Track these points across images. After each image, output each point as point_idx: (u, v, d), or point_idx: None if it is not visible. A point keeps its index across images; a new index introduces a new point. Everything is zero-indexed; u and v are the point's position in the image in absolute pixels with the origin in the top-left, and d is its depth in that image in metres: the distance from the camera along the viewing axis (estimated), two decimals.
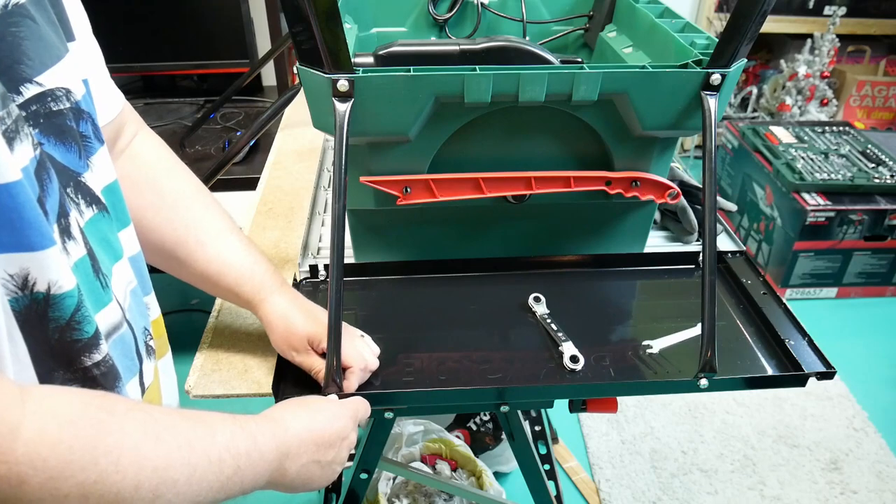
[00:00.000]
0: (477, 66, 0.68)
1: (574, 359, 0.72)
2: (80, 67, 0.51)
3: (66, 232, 0.47)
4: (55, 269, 0.44)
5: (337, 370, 0.65)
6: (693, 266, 0.91)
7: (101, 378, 0.49)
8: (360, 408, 0.64)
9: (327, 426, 0.58)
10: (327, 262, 0.79)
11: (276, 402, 0.65)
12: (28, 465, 0.35)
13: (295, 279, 0.86)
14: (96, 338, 0.48)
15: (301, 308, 0.69)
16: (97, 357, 0.48)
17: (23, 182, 0.41)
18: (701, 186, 0.88)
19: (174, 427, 0.44)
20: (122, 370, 0.52)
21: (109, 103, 0.60)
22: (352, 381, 0.67)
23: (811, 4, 2.74)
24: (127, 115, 0.65)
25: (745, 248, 0.94)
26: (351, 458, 0.62)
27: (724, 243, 0.96)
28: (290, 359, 0.69)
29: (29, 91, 0.44)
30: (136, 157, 0.65)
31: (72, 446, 0.37)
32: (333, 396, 0.64)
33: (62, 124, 0.48)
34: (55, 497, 0.37)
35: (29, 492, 0.36)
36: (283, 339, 0.68)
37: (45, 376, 0.45)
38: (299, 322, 0.68)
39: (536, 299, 0.81)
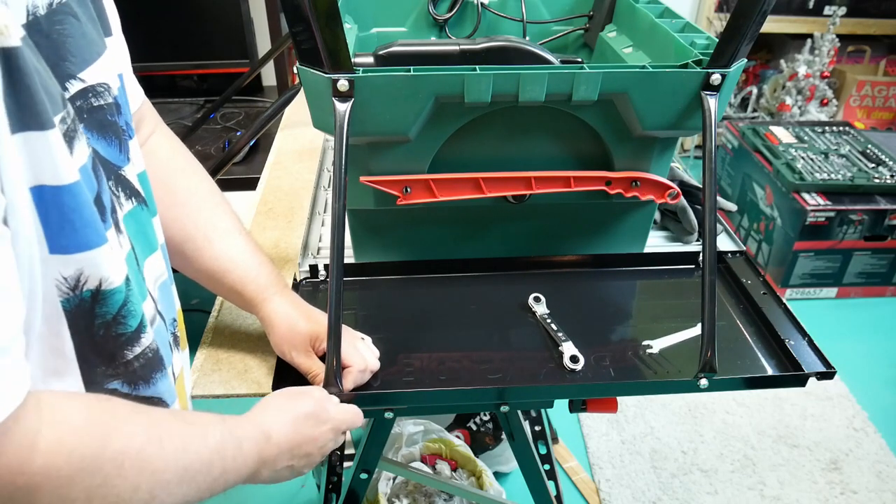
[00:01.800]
0: (477, 66, 0.68)
1: (574, 359, 0.72)
2: (116, 62, 0.52)
3: (116, 226, 0.48)
4: (107, 265, 0.45)
5: (337, 371, 0.65)
6: (693, 266, 0.91)
7: (141, 370, 0.50)
8: (350, 419, 0.64)
9: (308, 435, 0.59)
10: (327, 262, 0.79)
11: None
12: (44, 475, 0.36)
13: (295, 279, 0.86)
14: (139, 331, 0.49)
15: (303, 310, 0.70)
16: (138, 350, 0.50)
17: (81, 182, 0.42)
18: (701, 186, 0.88)
19: (171, 430, 0.46)
20: (159, 362, 0.53)
21: (133, 97, 0.61)
22: (348, 381, 0.67)
23: (811, 4, 2.74)
24: (146, 111, 0.66)
25: (745, 248, 0.94)
26: (348, 458, 0.62)
27: (724, 243, 0.96)
28: (289, 360, 0.69)
29: (73, 87, 0.45)
30: (151, 154, 0.66)
31: (83, 454, 0.38)
32: (335, 399, 0.64)
33: (103, 119, 0.48)
34: (63, 501, 0.38)
35: (41, 499, 0.37)
36: (286, 339, 0.69)
37: (87, 372, 0.46)
38: (302, 322, 0.68)
39: (536, 299, 0.81)
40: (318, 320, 0.69)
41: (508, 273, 0.88)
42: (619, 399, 0.97)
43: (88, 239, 0.43)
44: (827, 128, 2.47)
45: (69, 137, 0.41)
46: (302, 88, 0.68)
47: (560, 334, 0.75)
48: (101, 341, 0.46)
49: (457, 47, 0.81)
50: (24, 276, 0.38)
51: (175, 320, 0.61)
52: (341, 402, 0.65)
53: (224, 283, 0.68)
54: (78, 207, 0.41)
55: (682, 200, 0.92)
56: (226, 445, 0.50)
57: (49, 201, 0.40)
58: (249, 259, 0.69)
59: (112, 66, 0.50)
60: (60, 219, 0.41)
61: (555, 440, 1.68)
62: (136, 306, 0.49)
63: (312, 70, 0.64)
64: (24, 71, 0.37)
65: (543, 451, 1.43)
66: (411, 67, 0.67)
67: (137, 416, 0.44)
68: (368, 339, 0.73)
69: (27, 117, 0.38)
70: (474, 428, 1.54)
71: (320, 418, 0.60)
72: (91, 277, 0.44)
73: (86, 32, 0.46)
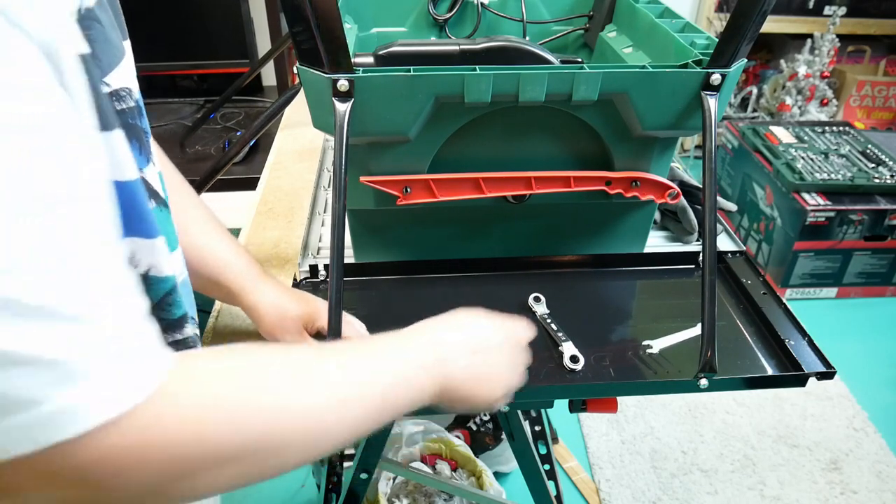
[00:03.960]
0: (477, 66, 0.68)
1: (574, 359, 0.72)
2: (133, 65, 0.53)
3: None
4: (158, 255, 0.47)
5: None
6: (693, 266, 0.91)
7: None
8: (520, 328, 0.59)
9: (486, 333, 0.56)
10: (327, 262, 0.79)
11: None
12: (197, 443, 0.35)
13: (295, 279, 0.86)
14: (182, 321, 0.52)
15: (289, 292, 0.70)
16: (179, 337, 0.52)
17: (139, 180, 0.45)
18: (701, 186, 0.88)
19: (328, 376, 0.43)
20: None
21: None
22: None
23: (811, 4, 2.74)
24: None
25: (745, 248, 0.94)
26: (348, 458, 0.62)
27: (724, 243, 0.96)
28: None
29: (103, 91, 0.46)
30: None
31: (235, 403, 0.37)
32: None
33: (127, 123, 0.49)
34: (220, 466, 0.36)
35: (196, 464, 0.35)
36: (277, 324, 0.68)
37: None
38: (292, 305, 0.68)
39: (536, 299, 0.81)
40: (307, 300, 0.69)
41: (508, 273, 0.88)
42: (619, 399, 0.97)
43: (148, 232, 0.46)
44: (827, 128, 2.47)
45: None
46: (302, 88, 0.68)
47: (560, 334, 0.75)
48: None
49: (457, 47, 0.81)
50: None
51: (195, 318, 0.61)
52: None
53: (202, 273, 0.67)
54: (140, 203, 0.45)
55: (682, 200, 0.92)
56: (398, 379, 0.47)
57: (120, 196, 0.43)
58: (227, 248, 0.68)
59: (131, 69, 0.51)
60: (126, 214, 0.43)
61: (555, 440, 1.68)
62: (182, 298, 0.51)
63: (312, 70, 0.64)
64: (91, 73, 0.39)
65: (543, 451, 1.43)
66: (411, 67, 0.67)
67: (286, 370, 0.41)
68: (360, 323, 0.73)
69: (102, 117, 0.40)
70: (474, 428, 1.54)
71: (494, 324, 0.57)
72: (141, 262, 0.46)
73: (109, 37, 0.47)
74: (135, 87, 0.51)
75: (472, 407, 0.54)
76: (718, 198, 0.85)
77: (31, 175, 0.29)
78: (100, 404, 0.30)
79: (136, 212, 0.45)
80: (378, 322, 0.80)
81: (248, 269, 0.69)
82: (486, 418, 1.55)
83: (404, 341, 0.51)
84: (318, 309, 0.70)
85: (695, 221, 0.92)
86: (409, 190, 0.76)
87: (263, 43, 1.97)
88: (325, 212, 1.01)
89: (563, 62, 0.81)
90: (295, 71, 0.68)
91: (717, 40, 0.69)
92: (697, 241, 0.95)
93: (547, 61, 0.79)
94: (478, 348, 0.54)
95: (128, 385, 0.31)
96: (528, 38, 1.03)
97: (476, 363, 0.53)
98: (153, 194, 0.53)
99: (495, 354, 0.56)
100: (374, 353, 0.49)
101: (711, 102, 0.69)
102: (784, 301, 0.83)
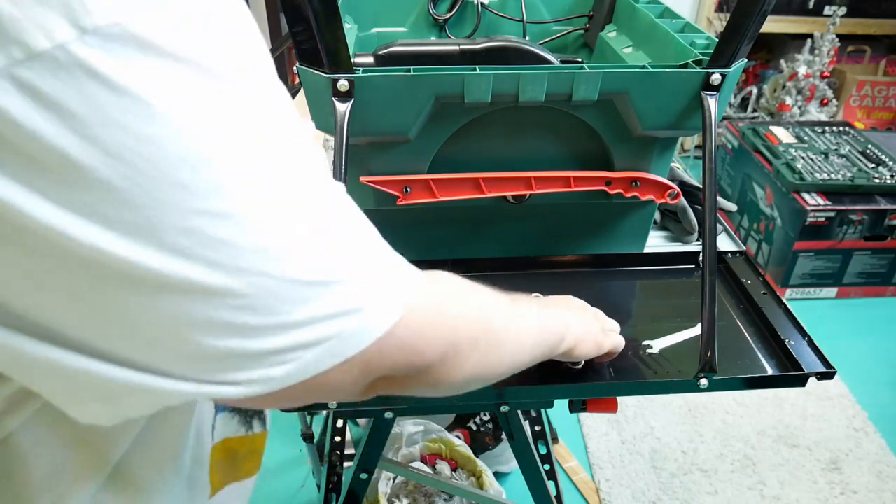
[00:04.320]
0: (477, 66, 0.68)
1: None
2: None
3: None
4: None
5: None
6: (693, 266, 0.91)
7: None
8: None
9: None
10: None
11: None
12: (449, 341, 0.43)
13: None
14: None
15: None
16: None
17: None
18: (701, 186, 0.88)
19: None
20: None
21: None
22: None
23: (811, 4, 2.74)
24: None
25: (745, 248, 0.94)
26: (348, 458, 0.62)
27: (724, 243, 0.96)
28: None
29: None
30: None
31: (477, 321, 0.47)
32: None
33: None
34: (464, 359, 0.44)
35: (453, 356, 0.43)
36: None
37: None
38: None
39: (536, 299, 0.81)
40: None
41: (508, 273, 0.88)
42: (619, 399, 0.97)
43: None
44: (827, 128, 2.48)
45: None
46: (302, 88, 0.68)
47: None
48: None
49: (457, 47, 0.81)
50: None
51: None
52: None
53: None
54: None
55: (682, 200, 0.92)
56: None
57: None
58: None
59: None
60: None
61: (555, 440, 1.68)
62: None
63: (312, 70, 0.64)
64: None
65: (543, 451, 1.43)
66: (411, 67, 0.67)
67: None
68: None
69: None
70: (474, 428, 1.54)
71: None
72: None
73: None
74: None
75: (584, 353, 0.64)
76: (718, 198, 0.85)
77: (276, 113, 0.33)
78: (394, 304, 0.36)
79: None
80: None
81: None
82: (486, 418, 1.55)
83: (544, 301, 0.66)
84: None
85: (695, 221, 0.92)
86: (409, 190, 0.76)
87: None
88: None
89: (563, 62, 0.81)
90: (295, 71, 0.68)
91: (717, 40, 0.69)
92: (697, 241, 0.95)
93: (547, 61, 0.79)
94: (586, 317, 0.66)
95: (407, 288, 0.38)
96: (528, 38, 1.03)
97: (585, 326, 0.65)
98: None
99: (594, 321, 0.67)
100: (531, 301, 0.61)
101: (711, 102, 0.69)
102: (784, 301, 0.83)
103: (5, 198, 0.24)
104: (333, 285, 0.33)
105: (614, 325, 0.70)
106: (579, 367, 0.72)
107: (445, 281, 0.47)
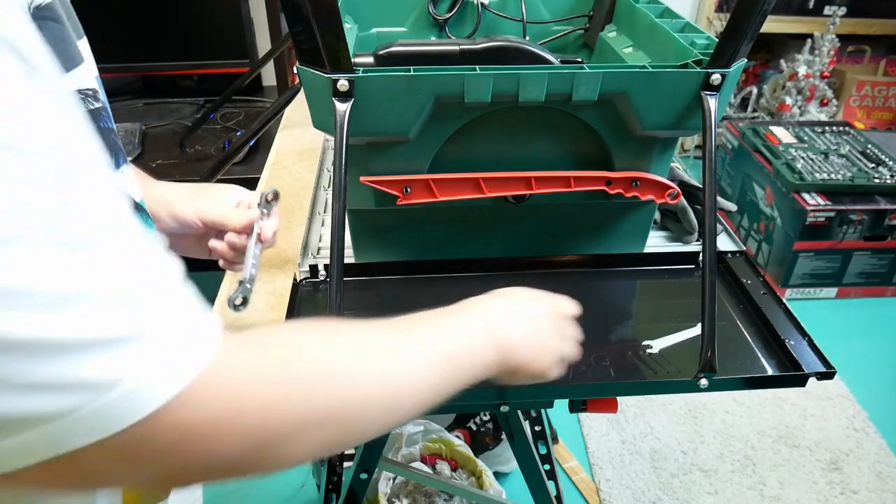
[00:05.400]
0: (477, 66, 0.68)
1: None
2: (92, 64, 0.50)
3: None
4: None
5: None
6: (693, 266, 0.91)
7: None
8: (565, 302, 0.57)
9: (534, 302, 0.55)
10: (327, 262, 0.79)
11: None
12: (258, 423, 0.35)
13: (295, 279, 0.86)
14: None
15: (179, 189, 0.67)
16: None
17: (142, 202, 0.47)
18: (701, 186, 0.88)
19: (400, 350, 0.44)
20: None
21: None
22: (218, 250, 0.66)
23: (811, 4, 2.74)
24: None
25: (745, 248, 0.94)
26: (348, 458, 0.61)
27: (724, 243, 0.96)
28: (220, 222, 0.66)
29: None
30: None
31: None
32: None
33: (98, 126, 0.47)
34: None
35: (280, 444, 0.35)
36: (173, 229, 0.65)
37: None
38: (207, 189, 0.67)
39: None
40: (198, 191, 0.67)
41: (509, 273, 0.88)
42: (619, 399, 0.97)
43: None
44: (827, 128, 2.47)
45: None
46: (302, 88, 0.68)
47: None
48: None
49: (457, 47, 0.81)
50: None
51: None
52: None
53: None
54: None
55: (682, 200, 0.92)
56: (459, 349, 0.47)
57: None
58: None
59: (92, 69, 0.48)
60: None
61: (555, 440, 1.68)
62: None
63: (312, 70, 0.64)
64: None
65: (543, 451, 1.43)
66: (411, 67, 0.67)
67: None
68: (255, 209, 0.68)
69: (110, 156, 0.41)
70: (474, 428, 1.54)
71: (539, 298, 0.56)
72: None
73: (65, 36, 0.44)
74: (99, 87, 0.49)
75: (531, 375, 0.53)
76: (718, 198, 0.85)
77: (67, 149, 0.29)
78: (172, 377, 0.30)
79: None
80: None
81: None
82: (486, 418, 1.55)
83: (459, 311, 0.51)
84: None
85: (695, 221, 0.92)
86: (409, 190, 0.76)
87: (263, 43, 1.96)
88: (325, 212, 1.01)
89: (563, 62, 0.81)
90: (295, 71, 0.68)
91: (717, 40, 0.69)
92: (697, 241, 0.95)
93: (547, 61, 0.79)
94: (530, 315, 0.54)
95: (194, 356, 0.31)
96: (528, 38, 1.03)
97: (530, 330, 0.53)
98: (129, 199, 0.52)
99: (547, 322, 0.55)
100: (436, 320, 0.48)
101: (711, 102, 0.69)
102: (784, 301, 0.83)
103: None
104: (92, 344, 0.28)
105: (574, 333, 0.59)
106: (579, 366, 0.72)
107: (269, 339, 0.38)
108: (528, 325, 0.53)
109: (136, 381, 0.28)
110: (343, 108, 0.65)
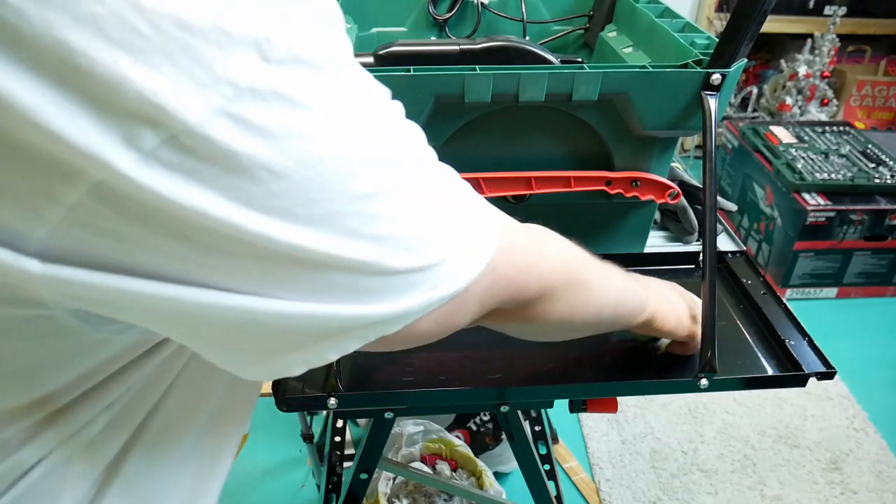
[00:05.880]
0: (477, 66, 0.68)
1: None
2: None
3: None
4: None
5: (338, 371, 0.65)
6: (693, 266, 0.91)
7: None
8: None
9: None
10: None
11: (277, 402, 0.65)
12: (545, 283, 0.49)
13: None
14: None
15: None
16: None
17: None
18: (701, 186, 0.88)
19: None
20: None
21: None
22: None
23: (811, 4, 2.74)
24: None
25: (745, 248, 0.94)
26: (348, 458, 0.62)
27: (724, 243, 0.96)
28: None
29: None
30: None
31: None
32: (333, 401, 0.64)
33: None
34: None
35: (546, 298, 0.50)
36: None
37: None
38: None
39: None
40: None
41: None
42: (619, 399, 0.97)
43: None
44: (827, 128, 2.48)
45: None
46: None
47: None
48: None
49: (457, 47, 0.81)
50: None
51: None
52: (338, 401, 0.65)
53: None
54: None
55: (683, 200, 0.92)
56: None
57: None
58: None
59: None
60: None
61: (555, 440, 1.68)
62: None
63: None
64: None
65: (543, 451, 1.43)
66: (411, 67, 0.67)
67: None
68: None
69: None
70: (474, 428, 1.54)
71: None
72: None
73: None
74: None
75: (669, 331, 0.67)
76: (718, 198, 0.85)
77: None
78: (484, 248, 0.40)
79: None
80: None
81: None
82: (486, 418, 1.55)
83: (642, 277, 0.67)
84: None
85: (695, 221, 0.92)
86: None
87: None
88: None
89: (563, 62, 0.81)
90: None
91: (717, 40, 0.69)
92: (697, 241, 0.95)
93: (547, 61, 0.79)
94: (673, 300, 0.69)
95: (512, 230, 0.45)
96: (528, 38, 1.03)
97: (674, 300, 0.68)
98: None
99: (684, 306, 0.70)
100: (616, 267, 0.62)
101: (711, 102, 0.69)
102: (784, 301, 0.83)
103: (212, 211, 0.27)
104: (456, 231, 0.38)
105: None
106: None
107: (542, 230, 0.53)
108: (667, 300, 0.68)
109: (486, 244, 0.40)
110: None
